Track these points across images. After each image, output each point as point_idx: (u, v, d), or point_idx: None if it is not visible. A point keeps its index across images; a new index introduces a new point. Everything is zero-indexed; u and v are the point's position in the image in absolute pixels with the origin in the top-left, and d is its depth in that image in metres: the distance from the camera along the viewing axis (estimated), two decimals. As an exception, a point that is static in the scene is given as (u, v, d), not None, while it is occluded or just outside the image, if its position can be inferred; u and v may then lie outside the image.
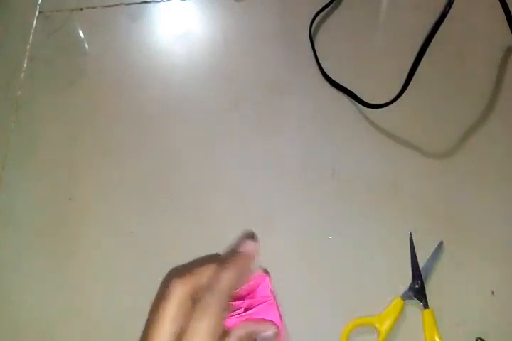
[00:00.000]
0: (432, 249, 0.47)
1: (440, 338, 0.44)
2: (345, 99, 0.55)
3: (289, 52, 0.59)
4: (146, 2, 0.66)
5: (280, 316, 0.36)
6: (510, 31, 0.50)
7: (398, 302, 0.45)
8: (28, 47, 0.64)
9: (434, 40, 0.46)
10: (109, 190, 0.54)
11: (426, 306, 0.45)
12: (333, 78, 0.56)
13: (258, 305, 0.34)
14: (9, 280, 0.51)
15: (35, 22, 0.66)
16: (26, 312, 0.49)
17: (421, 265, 0.47)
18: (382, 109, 0.52)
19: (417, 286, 0.46)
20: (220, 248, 0.50)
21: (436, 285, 0.46)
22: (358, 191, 0.51)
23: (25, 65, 0.63)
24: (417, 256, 0.47)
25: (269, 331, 0.32)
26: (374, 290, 0.47)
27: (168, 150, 0.56)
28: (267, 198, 0.52)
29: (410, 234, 0.48)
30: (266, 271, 0.41)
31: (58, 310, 0.49)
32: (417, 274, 0.47)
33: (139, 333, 0.47)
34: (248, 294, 0.35)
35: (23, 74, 0.62)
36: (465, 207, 0.49)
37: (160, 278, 0.49)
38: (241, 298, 0.35)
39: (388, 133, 0.53)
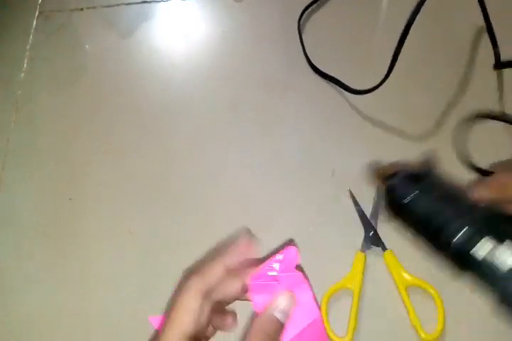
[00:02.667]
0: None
1: (405, 271, 0.46)
2: (341, 95, 0.56)
3: (289, 52, 0.59)
4: (146, 2, 0.66)
5: (313, 296, 0.34)
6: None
7: (359, 256, 0.47)
8: (28, 47, 0.64)
9: (417, 28, 0.46)
10: (109, 190, 0.54)
11: (384, 248, 0.47)
12: (322, 69, 0.56)
13: (286, 277, 0.33)
14: (9, 279, 0.51)
15: (35, 22, 0.66)
16: (26, 311, 0.49)
17: (368, 215, 0.49)
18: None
19: (371, 234, 0.48)
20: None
21: (386, 226, 0.48)
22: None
23: (25, 65, 0.63)
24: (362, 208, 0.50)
25: (282, 303, 0.32)
26: (337, 254, 0.48)
27: (168, 150, 0.56)
28: (266, 197, 0.52)
29: (350, 191, 0.50)
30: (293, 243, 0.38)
31: (58, 310, 0.49)
32: (367, 224, 0.48)
33: (139, 332, 0.47)
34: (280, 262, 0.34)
35: (23, 74, 0.62)
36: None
37: (160, 278, 0.49)
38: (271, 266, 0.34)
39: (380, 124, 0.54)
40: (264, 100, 0.57)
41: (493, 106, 0.53)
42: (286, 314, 0.32)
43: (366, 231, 0.48)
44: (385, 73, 0.50)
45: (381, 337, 0.45)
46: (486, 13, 0.50)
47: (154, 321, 0.47)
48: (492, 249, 0.29)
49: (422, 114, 0.54)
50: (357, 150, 0.53)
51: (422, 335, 0.43)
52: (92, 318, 0.48)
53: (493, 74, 0.55)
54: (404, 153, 0.52)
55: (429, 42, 0.57)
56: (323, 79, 0.57)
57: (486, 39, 0.53)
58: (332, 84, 0.56)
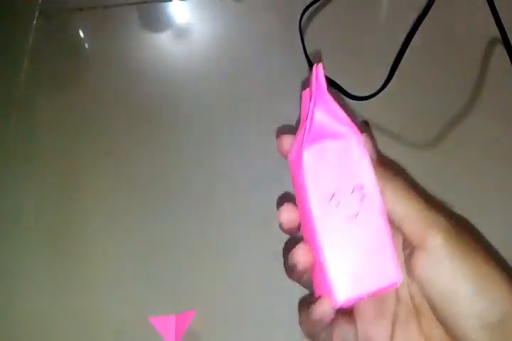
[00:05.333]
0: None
1: None
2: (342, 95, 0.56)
3: (290, 52, 0.59)
4: (146, 2, 0.66)
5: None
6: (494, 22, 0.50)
7: None
8: (28, 47, 0.64)
9: (418, 31, 0.46)
10: (110, 190, 0.54)
11: None
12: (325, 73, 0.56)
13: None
14: (9, 280, 0.51)
15: (35, 22, 0.66)
16: (26, 312, 0.49)
17: None
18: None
19: None
20: (220, 248, 0.50)
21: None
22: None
23: (25, 65, 0.63)
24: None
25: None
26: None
27: (168, 150, 0.56)
28: (266, 198, 0.52)
29: None
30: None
31: (58, 310, 0.49)
32: None
33: (139, 333, 0.47)
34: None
35: (23, 74, 0.62)
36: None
37: (160, 278, 0.49)
38: None
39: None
40: (264, 101, 0.57)
41: (497, 110, 0.53)
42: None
43: None
44: (385, 79, 0.50)
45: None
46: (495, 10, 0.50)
47: (154, 321, 0.47)
48: None
49: (422, 116, 0.54)
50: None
51: (422, 335, 0.43)
52: (93, 318, 0.48)
53: (498, 76, 0.55)
54: (404, 152, 0.52)
55: (431, 45, 0.57)
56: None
57: (488, 39, 0.53)
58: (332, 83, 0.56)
